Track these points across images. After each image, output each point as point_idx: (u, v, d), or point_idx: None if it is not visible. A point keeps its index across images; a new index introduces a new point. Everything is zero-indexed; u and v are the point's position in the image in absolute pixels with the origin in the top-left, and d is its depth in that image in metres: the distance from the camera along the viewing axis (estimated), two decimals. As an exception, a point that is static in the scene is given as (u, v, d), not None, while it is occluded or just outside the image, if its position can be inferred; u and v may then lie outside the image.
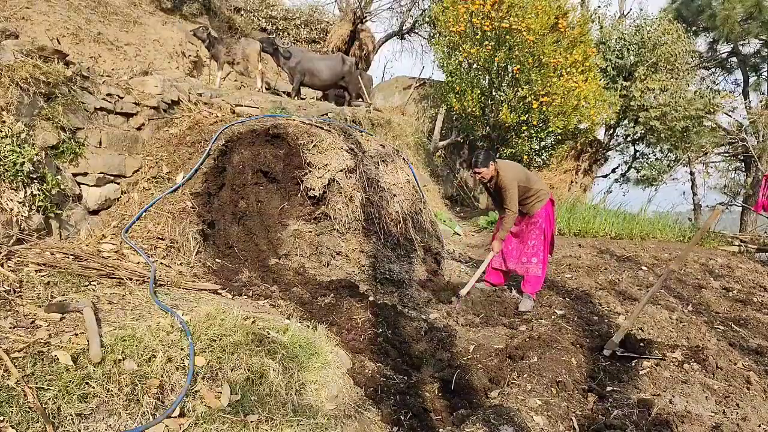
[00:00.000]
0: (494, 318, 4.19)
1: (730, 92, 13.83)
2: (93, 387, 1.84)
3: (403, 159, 5.53)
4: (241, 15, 12.62)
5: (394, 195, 4.63)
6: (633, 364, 3.27)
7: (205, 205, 4.20)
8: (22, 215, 3.04)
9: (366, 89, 10.16)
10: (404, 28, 15.17)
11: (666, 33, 11.17)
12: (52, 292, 2.54)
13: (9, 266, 2.66)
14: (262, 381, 2.15)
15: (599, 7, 25.40)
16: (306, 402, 2.17)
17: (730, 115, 12.80)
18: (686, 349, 3.45)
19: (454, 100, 9.11)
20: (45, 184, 3.26)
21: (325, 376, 2.32)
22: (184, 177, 4.16)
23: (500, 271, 4.75)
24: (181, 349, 2.15)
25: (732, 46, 14.16)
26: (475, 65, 9.05)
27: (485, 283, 4.74)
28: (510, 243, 4.66)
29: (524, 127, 8.88)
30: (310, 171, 4.37)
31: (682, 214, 12.80)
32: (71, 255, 3.00)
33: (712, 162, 15.56)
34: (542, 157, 10.26)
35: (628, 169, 14.84)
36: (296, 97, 8.51)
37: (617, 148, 14.33)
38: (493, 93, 9.01)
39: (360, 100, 10.29)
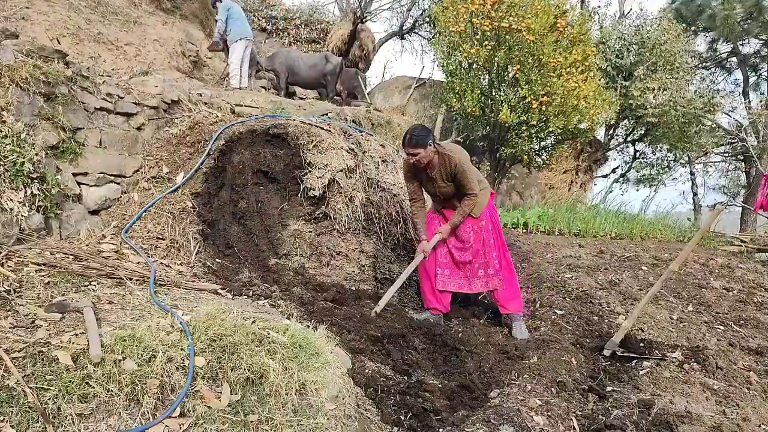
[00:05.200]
0: (495, 317, 4.19)
1: (729, 92, 13.85)
2: (93, 387, 1.84)
3: (400, 166, 5.53)
4: (241, 15, 12.61)
5: (394, 195, 4.63)
6: (633, 364, 3.27)
7: (205, 205, 4.20)
8: (22, 215, 3.04)
9: (361, 88, 10.18)
10: (404, 28, 15.18)
11: (666, 32, 11.17)
12: (52, 292, 2.54)
13: (9, 266, 2.66)
14: (262, 381, 2.15)
15: (599, 7, 25.43)
16: (306, 402, 2.17)
17: (730, 115, 12.81)
18: (686, 349, 3.45)
19: (454, 100, 9.11)
20: (45, 184, 3.26)
21: (325, 376, 2.32)
22: (184, 177, 4.16)
23: (446, 292, 3.96)
24: (181, 349, 2.15)
25: (732, 46, 14.16)
26: (475, 65, 9.04)
27: (432, 312, 3.92)
28: (451, 257, 3.93)
29: (524, 127, 8.87)
30: (310, 171, 4.37)
31: (682, 214, 12.80)
32: (71, 255, 3.00)
33: (712, 162, 15.57)
34: (542, 157, 10.26)
35: (628, 169, 14.86)
36: (283, 95, 8.61)
37: (617, 148, 14.34)
38: (493, 93, 9.01)
39: (356, 99, 10.31)
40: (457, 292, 4.02)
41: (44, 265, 2.77)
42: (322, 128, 4.76)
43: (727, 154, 14.85)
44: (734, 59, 14.65)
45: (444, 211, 3.99)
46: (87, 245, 3.35)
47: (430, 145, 3.60)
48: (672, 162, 14.31)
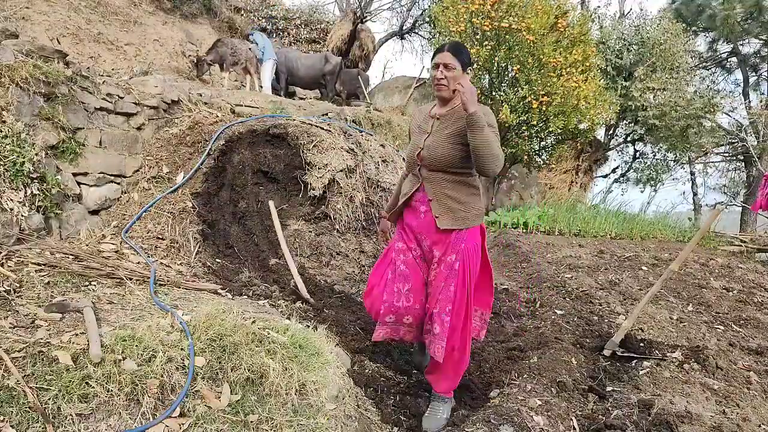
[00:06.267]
0: (495, 318, 4.19)
1: (729, 92, 13.84)
2: (93, 387, 1.84)
3: (403, 159, 5.53)
4: (241, 15, 12.64)
5: (394, 195, 4.63)
6: (633, 364, 3.27)
7: (205, 205, 4.20)
8: (22, 215, 3.04)
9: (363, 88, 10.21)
10: (404, 28, 15.18)
11: (666, 32, 11.17)
12: (52, 292, 2.54)
13: (9, 266, 2.66)
14: (262, 381, 2.15)
15: (599, 7, 25.47)
16: (306, 402, 2.17)
17: (730, 115, 12.80)
18: (686, 349, 3.45)
19: (454, 100, 9.09)
20: (45, 184, 3.26)
21: (325, 376, 2.32)
22: (184, 177, 4.16)
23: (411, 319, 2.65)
24: (181, 349, 2.15)
25: (732, 46, 14.16)
26: (475, 65, 9.04)
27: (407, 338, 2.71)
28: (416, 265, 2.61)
29: (524, 127, 8.88)
30: (310, 171, 4.37)
31: (682, 214, 12.79)
32: (71, 255, 3.00)
33: (712, 162, 15.56)
34: (542, 157, 10.26)
35: (628, 169, 14.85)
36: (283, 95, 8.66)
37: (617, 149, 14.34)
38: (493, 93, 9.01)
39: (358, 100, 10.34)
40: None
41: (44, 265, 2.77)
42: (322, 128, 4.76)
43: (727, 154, 14.84)
44: (734, 59, 14.64)
45: (417, 194, 2.57)
46: (87, 245, 3.35)
47: (469, 72, 2.45)
48: (672, 162, 14.31)
